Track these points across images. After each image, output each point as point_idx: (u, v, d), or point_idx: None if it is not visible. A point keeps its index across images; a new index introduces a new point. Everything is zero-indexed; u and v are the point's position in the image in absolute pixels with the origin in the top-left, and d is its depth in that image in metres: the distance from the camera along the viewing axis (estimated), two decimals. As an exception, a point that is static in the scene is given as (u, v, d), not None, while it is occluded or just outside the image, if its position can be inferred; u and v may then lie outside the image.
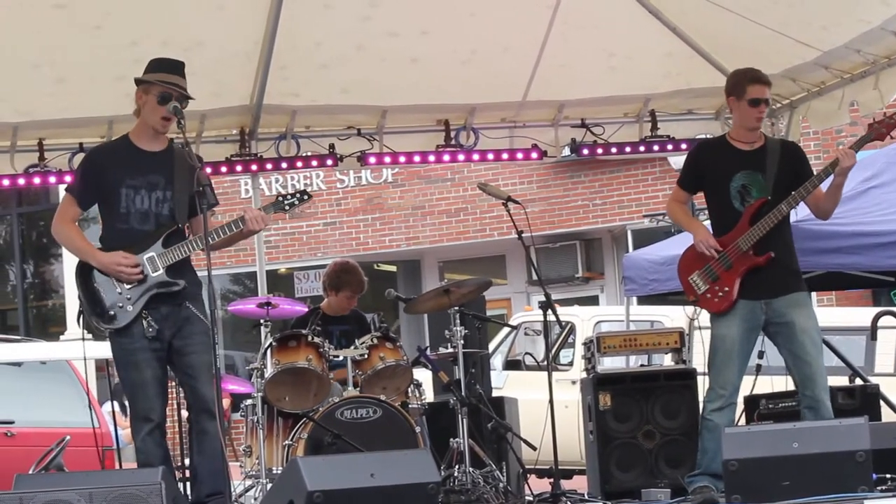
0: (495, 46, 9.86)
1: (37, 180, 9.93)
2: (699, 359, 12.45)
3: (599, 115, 10.59)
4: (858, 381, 10.18)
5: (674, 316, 14.06)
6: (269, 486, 8.36)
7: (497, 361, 14.71)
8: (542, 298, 9.06)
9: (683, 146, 10.62)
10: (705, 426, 8.13)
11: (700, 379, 9.24)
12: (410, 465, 6.99)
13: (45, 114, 9.64)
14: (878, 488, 7.49)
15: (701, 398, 8.69)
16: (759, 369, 9.28)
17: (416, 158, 10.57)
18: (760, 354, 8.89)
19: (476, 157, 10.63)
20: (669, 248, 11.30)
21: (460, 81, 10.10)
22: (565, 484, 9.38)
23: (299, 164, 10.38)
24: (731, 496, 7.33)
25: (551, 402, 8.80)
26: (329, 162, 10.28)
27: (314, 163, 10.36)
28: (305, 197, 7.80)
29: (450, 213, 21.80)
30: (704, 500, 7.93)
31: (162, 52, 7.82)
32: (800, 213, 9.48)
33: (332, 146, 10.26)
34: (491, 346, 14.01)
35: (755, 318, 8.11)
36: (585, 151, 10.70)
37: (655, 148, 10.67)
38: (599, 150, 10.71)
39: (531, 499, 8.88)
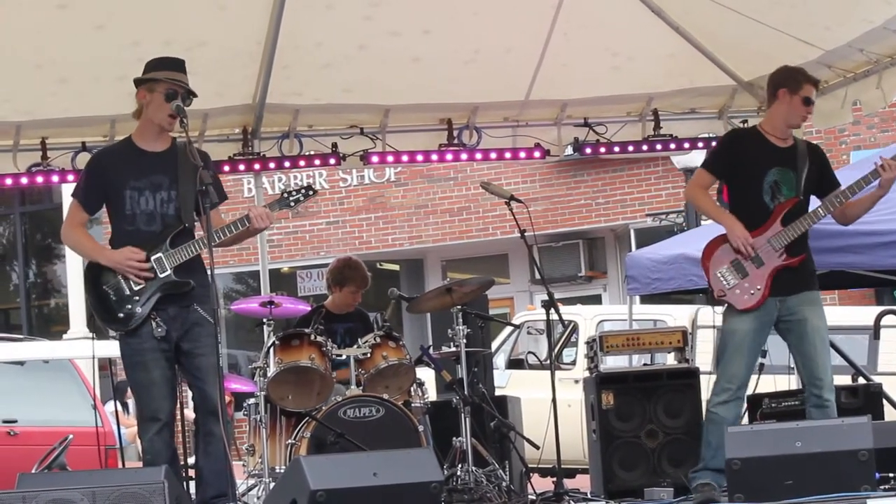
0: (498, 46, 9.86)
1: (39, 179, 9.93)
2: (702, 358, 12.51)
3: (602, 114, 10.59)
4: (861, 381, 10.18)
5: (677, 315, 14.08)
6: (272, 485, 8.37)
7: (500, 360, 14.72)
8: (545, 297, 9.07)
9: (686, 145, 10.63)
10: (710, 419, 8.08)
11: (703, 378, 9.24)
12: (413, 465, 6.99)
13: (48, 113, 9.64)
14: (881, 487, 7.50)
15: (704, 397, 8.68)
16: (761, 368, 9.27)
17: (419, 157, 10.57)
18: (763, 353, 8.88)
19: (479, 156, 10.62)
20: (672, 248, 11.31)
21: (463, 80, 10.10)
22: (568, 483, 9.39)
23: (302, 163, 10.37)
24: (734, 495, 7.33)
25: (554, 401, 8.81)
26: (332, 161, 10.27)
27: (317, 162, 10.35)
28: (311, 192, 7.76)
29: (453, 213, 21.80)
30: (704, 499, 7.91)
31: (164, 51, 7.82)
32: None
33: (334, 145, 10.26)
34: (494, 345, 14.02)
35: (769, 314, 8.07)
36: (588, 150, 10.69)
37: (658, 147, 10.66)
38: (602, 149, 10.71)
39: (534, 498, 8.88)
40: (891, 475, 7.77)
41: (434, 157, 10.57)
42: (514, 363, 15.03)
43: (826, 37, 9.37)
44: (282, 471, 8.47)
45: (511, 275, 22.10)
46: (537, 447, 9.37)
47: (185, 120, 7.36)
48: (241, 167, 10.21)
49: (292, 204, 7.75)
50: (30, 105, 9.60)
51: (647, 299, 13.44)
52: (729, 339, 8.08)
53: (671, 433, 9.28)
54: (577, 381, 11.96)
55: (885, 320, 11.29)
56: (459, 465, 9.08)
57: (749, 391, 9.50)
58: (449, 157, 10.57)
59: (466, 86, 10.17)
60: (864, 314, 13.17)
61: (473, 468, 9.04)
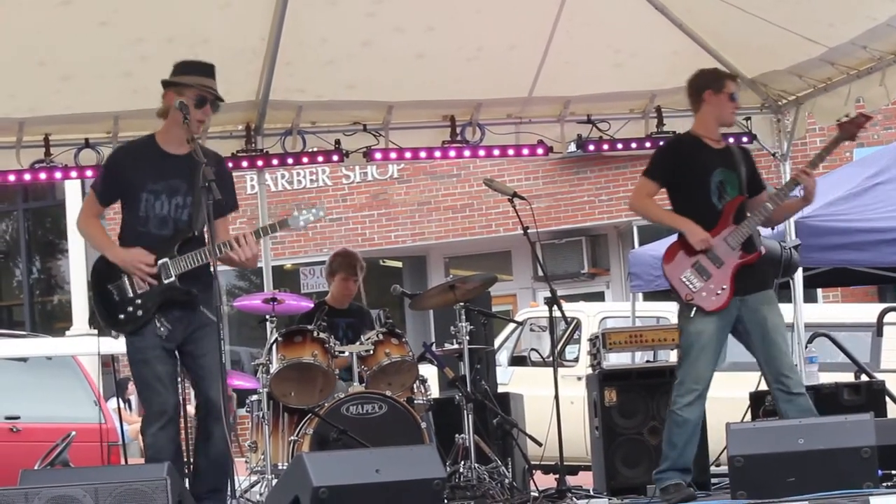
0: (501, 43, 9.86)
1: (42, 176, 9.95)
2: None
3: (605, 112, 10.59)
4: (864, 378, 10.17)
5: (679, 312, 14.05)
6: (275, 481, 8.37)
7: (503, 357, 14.71)
8: (548, 294, 9.07)
9: (689, 142, 10.61)
10: (674, 421, 8.00)
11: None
12: (416, 461, 6.99)
13: (51, 110, 9.64)
14: (884, 484, 7.50)
15: (707, 394, 8.66)
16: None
17: (422, 154, 10.58)
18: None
19: (482, 152, 10.64)
20: (675, 245, 11.29)
21: (466, 77, 10.10)
22: (571, 480, 9.38)
23: (305, 159, 10.38)
24: (737, 492, 7.33)
25: (557, 398, 8.81)
26: (335, 157, 10.28)
27: (320, 158, 10.36)
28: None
29: (455, 209, 21.80)
30: (684, 497, 7.90)
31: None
32: (807, 210, 9.48)
33: (337, 142, 10.26)
34: (496, 342, 14.00)
35: (731, 314, 8.08)
36: (591, 147, 10.69)
37: (661, 144, 10.65)
38: (605, 146, 10.71)
39: (536, 495, 8.87)
40: (893, 472, 7.76)
41: (437, 153, 10.58)
42: (517, 360, 15.02)
43: (830, 34, 9.37)
44: (284, 467, 8.48)
45: (514, 272, 22.09)
46: (540, 444, 9.37)
47: (187, 117, 7.36)
48: (245, 164, 10.21)
49: (269, 232, 7.79)
50: (33, 102, 9.60)
51: (650, 296, 13.43)
52: (695, 341, 8.03)
53: (674, 430, 9.26)
54: (579, 378, 11.96)
55: (888, 317, 11.28)
56: (462, 462, 9.09)
57: (752, 389, 9.52)
58: (452, 153, 10.58)
59: (469, 83, 10.17)
60: (867, 311, 13.16)
61: (476, 465, 9.04)
